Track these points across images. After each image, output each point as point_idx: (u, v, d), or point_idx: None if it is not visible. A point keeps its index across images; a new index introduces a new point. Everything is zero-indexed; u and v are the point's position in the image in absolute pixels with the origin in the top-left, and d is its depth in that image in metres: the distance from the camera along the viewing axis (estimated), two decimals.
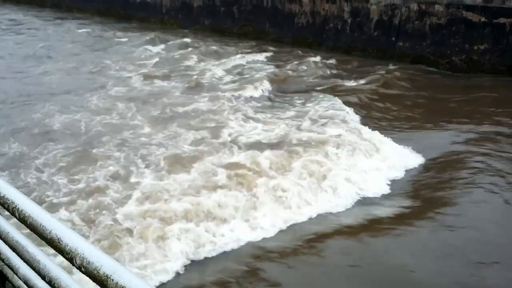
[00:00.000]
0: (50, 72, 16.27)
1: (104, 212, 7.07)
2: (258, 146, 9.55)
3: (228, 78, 15.41)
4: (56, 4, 35.04)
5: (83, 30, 25.37)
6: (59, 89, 14.12)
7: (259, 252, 6.49)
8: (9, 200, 0.96)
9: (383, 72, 15.47)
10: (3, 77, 15.73)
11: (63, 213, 6.83)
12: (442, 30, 16.35)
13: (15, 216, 0.94)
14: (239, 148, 9.55)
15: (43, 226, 0.80)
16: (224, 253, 6.50)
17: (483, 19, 15.43)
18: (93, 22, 28.16)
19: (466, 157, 9.15)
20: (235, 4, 22.91)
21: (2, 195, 0.99)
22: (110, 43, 21.55)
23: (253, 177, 8.14)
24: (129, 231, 6.55)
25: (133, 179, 8.19)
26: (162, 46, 20.41)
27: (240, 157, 8.99)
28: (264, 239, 6.83)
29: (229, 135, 10.27)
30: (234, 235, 6.85)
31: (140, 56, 18.75)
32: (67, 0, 34.20)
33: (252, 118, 11.38)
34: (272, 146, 9.53)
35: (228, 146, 9.63)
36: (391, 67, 16.16)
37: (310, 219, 7.39)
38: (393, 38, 17.60)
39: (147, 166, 8.72)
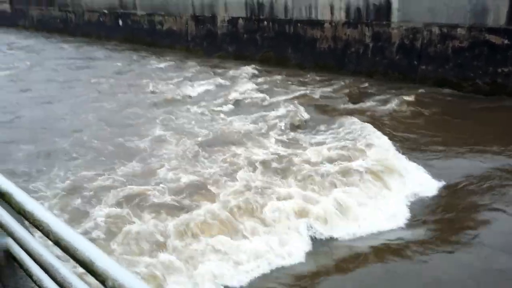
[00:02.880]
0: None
1: None
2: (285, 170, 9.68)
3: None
4: (86, 34, 36.42)
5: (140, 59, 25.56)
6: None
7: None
8: (43, 223, 1.11)
9: (405, 95, 15.46)
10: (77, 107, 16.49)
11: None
12: (465, 53, 16.29)
13: (49, 238, 1.08)
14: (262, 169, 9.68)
15: (75, 248, 0.93)
16: None
17: (506, 41, 15.32)
18: (125, 49, 29.10)
19: (489, 182, 9.02)
20: (258, 31, 23.40)
21: (36, 217, 1.13)
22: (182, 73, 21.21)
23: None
24: None
25: None
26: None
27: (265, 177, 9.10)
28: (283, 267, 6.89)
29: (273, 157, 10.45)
30: None
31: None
32: (96, 30, 35.54)
33: (281, 142, 11.58)
34: (297, 172, 9.62)
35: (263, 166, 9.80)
36: (413, 90, 16.14)
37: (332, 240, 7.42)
38: (415, 62, 17.61)
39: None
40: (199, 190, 8.92)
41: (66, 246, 1.01)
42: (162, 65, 23.25)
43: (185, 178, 9.42)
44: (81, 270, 1.57)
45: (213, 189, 8.97)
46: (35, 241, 1.41)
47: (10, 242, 1.77)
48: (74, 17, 38.75)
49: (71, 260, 1.73)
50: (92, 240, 7.08)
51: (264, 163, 10.12)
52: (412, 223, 7.94)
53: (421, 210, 8.38)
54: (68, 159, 11.00)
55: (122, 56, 26.91)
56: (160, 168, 10.10)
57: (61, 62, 26.16)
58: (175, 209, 8.20)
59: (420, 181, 9.39)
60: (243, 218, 7.79)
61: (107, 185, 9.29)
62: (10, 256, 1.75)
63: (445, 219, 7.90)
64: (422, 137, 12.00)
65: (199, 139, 11.99)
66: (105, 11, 34.59)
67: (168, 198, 8.62)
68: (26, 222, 1.47)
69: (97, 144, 11.87)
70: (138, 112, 14.80)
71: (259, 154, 10.66)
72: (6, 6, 49.81)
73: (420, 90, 16.07)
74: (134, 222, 7.67)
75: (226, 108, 15.12)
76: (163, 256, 6.79)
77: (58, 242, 1.04)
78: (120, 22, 33.18)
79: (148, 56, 26.21)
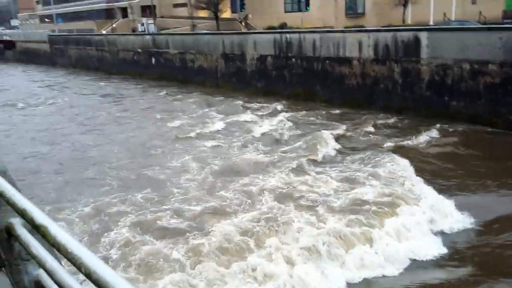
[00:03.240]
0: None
1: None
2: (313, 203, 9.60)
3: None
4: (121, 71, 37.76)
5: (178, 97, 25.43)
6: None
7: None
8: (76, 256, 1.13)
9: (437, 131, 15.22)
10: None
11: None
12: (496, 89, 16.01)
13: (81, 271, 1.11)
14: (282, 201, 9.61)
15: (106, 281, 0.95)
16: None
17: None
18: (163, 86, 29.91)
19: None
20: (286, 68, 23.75)
21: (69, 250, 1.16)
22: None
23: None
24: None
25: None
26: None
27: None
28: None
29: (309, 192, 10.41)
30: None
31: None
32: (130, 68, 36.82)
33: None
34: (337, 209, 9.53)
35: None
36: (445, 126, 15.86)
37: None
38: (446, 98, 17.41)
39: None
40: (216, 215, 9.02)
41: (97, 279, 1.03)
42: (191, 100, 23.72)
43: (210, 203, 9.54)
44: None
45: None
46: (66, 274, 1.43)
47: (41, 274, 1.80)
48: (110, 55, 40.37)
49: None
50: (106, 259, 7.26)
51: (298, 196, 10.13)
52: (444, 260, 7.67)
53: (453, 247, 8.09)
54: (93, 186, 11.38)
55: (152, 93, 27.70)
56: (177, 195, 10.35)
57: (94, 98, 27.15)
58: (191, 233, 8.27)
59: (452, 217, 9.12)
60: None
61: (127, 211, 9.56)
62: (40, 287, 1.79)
63: (476, 258, 7.60)
64: (454, 173, 11.70)
65: (218, 169, 12.18)
66: (139, 50, 35.93)
67: (184, 223, 8.77)
68: (58, 254, 1.51)
69: (120, 173, 12.34)
70: (160, 144, 15.23)
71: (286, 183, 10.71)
72: (45, 46, 52.37)
73: (452, 126, 15.79)
74: (149, 244, 7.75)
75: (252, 141, 15.23)
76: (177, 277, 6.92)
77: (89, 275, 1.06)
78: (153, 60, 34.35)
79: (178, 92, 26.84)
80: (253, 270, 7.14)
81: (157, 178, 11.83)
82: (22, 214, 1.45)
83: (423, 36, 17.94)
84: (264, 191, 10.44)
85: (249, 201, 9.95)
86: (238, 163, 12.85)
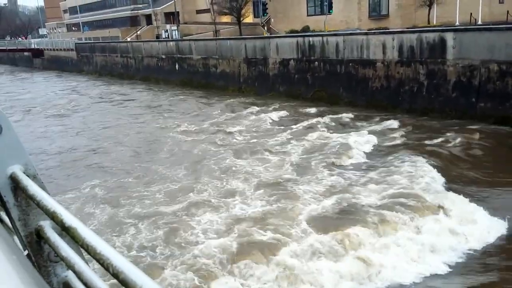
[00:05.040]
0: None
1: None
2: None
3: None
4: (145, 78, 38.37)
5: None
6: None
7: None
8: (104, 256, 1.15)
9: (465, 133, 14.85)
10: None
11: None
12: None
13: (109, 271, 1.12)
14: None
15: (133, 281, 0.96)
16: None
17: None
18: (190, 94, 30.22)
19: None
20: (308, 71, 23.68)
21: (98, 251, 1.19)
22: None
23: None
24: None
25: None
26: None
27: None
28: None
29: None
30: None
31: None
32: (154, 74, 37.38)
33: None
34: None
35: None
36: (473, 128, 15.49)
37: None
38: (473, 99, 17.04)
39: None
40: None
41: (124, 279, 1.04)
42: (218, 107, 23.76)
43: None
44: None
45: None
46: (94, 274, 1.46)
47: (70, 275, 1.83)
48: (134, 62, 41.07)
49: None
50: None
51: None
52: (470, 268, 7.49)
53: (483, 254, 7.89)
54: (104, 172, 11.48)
55: (177, 98, 27.99)
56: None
57: (118, 105, 27.64)
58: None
59: (479, 223, 8.90)
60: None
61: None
62: None
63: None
64: (483, 177, 11.41)
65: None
66: (163, 56, 36.43)
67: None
68: (85, 255, 1.54)
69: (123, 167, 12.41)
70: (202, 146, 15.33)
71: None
72: (72, 54, 53.67)
73: (480, 128, 15.41)
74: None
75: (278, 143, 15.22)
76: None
77: (117, 275, 1.07)
78: (177, 66, 34.79)
79: (206, 97, 27.07)
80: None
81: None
82: (52, 216, 1.48)
83: (449, 37, 17.62)
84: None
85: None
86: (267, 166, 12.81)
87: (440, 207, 9.37)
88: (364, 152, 13.92)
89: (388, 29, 28.33)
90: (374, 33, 21.70)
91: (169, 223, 9.44)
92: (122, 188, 12.07)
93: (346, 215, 9.23)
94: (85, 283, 1.50)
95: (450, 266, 7.63)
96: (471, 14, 33.02)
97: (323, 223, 8.94)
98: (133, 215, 10.03)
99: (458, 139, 14.25)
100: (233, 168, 12.99)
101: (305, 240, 8.24)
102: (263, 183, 11.64)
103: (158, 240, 8.75)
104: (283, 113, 20.52)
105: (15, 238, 1.92)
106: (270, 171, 12.65)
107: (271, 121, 19.29)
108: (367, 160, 13.33)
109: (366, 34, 21.83)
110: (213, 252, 7.94)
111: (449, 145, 13.96)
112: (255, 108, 21.87)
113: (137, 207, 10.50)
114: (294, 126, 17.88)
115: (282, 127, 17.95)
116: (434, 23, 34.86)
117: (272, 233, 8.56)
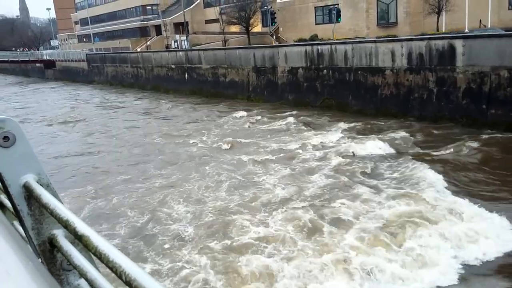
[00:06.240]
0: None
1: None
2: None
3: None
4: (155, 87, 38.66)
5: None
6: None
7: None
8: (117, 264, 1.17)
9: (476, 141, 14.71)
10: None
11: None
12: None
13: (121, 279, 1.14)
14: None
15: None
16: None
17: None
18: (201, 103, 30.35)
19: None
20: (317, 79, 23.70)
21: (110, 259, 1.20)
22: None
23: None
24: None
25: None
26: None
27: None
28: None
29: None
30: None
31: None
32: (164, 83, 37.65)
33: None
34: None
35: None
36: (484, 135, 15.35)
37: None
38: (484, 106, 16.91)
39: None
40: None
41: (137, 286, 1.05)
42: (226, 117, 23.90)
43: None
44: None
45: None
46: (106, 282, 1.47)
47: (83, 284, 1.85)
48: (144, 72, 41.41)
49: None
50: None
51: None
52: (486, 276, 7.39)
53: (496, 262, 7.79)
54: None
55: (183, 108, 28.11)
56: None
57: (127, 115, 27.85)
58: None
59: (492, 232, 8.80)
60: None
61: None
62: None
63: None
64: (495, 186, 11.28)
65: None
66: (173, 65, 36.70)
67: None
68: (97, 264, 1.55)
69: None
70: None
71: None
72: (84, 65, 54.25)
73: (491, 135, 15.27)
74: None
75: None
76: None
77: (129, 283, 1.09)
78: (187, 76, 35.01)
79: (215, 105, 27.20)
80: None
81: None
82: (65, 225, 1.50)
83: (458, 44, 17.55)
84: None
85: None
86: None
87: (446, 215, 9.31)
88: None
89: (397, 36, 28.27)
90: (382, 41, 21.68)
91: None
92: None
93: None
94: None
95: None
96: (480, 21, 32.85)
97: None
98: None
99: (469, 147, 14.12)
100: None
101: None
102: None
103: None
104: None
105: (29, 247, 1.95)
106: None
107: None
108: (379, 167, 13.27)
109: (374, 42, 21.82)
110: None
111: (460, 152, 13.84)
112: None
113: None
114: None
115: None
116: (443, 30, 34.72)
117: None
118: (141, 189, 12.70)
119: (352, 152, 14.65)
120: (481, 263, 7.90)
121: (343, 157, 14.23)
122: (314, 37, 42.01)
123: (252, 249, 8.45)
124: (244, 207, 10.71)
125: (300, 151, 15.43)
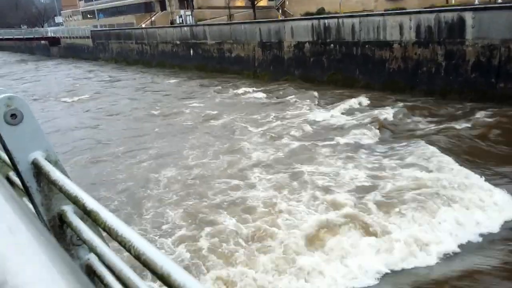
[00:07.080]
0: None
1: None
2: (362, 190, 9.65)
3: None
4: (161, 64, 38.48)
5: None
6: None
7: None
8: (126, 239, 1.18)
9: (485, 115, 14.56)
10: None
11: None
12: None
13: (130, 253, 1.16)
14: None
15: (154, 262, 0.98)
16: None
17: None
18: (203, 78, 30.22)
19: None
20: (324, 54, 23.44)
21: (119, 233, 1.22)
22: None
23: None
24: None
25: None
26: None
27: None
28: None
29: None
30: None
31: None
32: (169, 60, 37.46)
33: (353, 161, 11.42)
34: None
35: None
36: (493, 109, 15.17)
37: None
38: (493, 80, 16.69)
39: None
40: None
41: (146, 260, 1.07)
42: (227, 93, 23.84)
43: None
44: (159, 283, 1.65)
45: None
46: (115, 256, 1.50)
47: (92, 258, 1.89)
48: (149, 48, 41.15)
49: (149, 275, 1.80)
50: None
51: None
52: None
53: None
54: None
55: (187, 85, 28.04)
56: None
57: (131, 92, 27.86)
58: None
59: (502, 205, 8.83)
60: None
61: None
62: (91, 271, 1.88)
63: None
64: (504, 160, 11.22)
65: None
66: (178, 41, 36.42)
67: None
68: (107, 238, 1.58)
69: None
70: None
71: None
72: (88, 41, 54.02)
73: (500, 109, 15.08)
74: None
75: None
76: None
77: (138, 257, 1.11)
78: (192, 52, 34.76)
79: (225, 83, 27.11)
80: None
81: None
82: (74, 201, 1.52)
83: (468, 16, 17.21)
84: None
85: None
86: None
87: (455, 190, 9.33)
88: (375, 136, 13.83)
89: (405, 9, 27.73)
90: (390, 14, 21.29)
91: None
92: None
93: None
94: (107, 265, 1.54)
95: None
96: None
97: None
98: None
99: (480, 120, 13.98)
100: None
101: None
102: None
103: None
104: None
105: (39, 222, 1.97)
106: None
107: None
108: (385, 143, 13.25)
109: (382, 15, 21.44)
110: None
111: (469, 126, 13.72)
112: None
113: None
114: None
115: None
116: (453, 2, 34.01)
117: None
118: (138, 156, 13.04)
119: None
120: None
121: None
122: (321, 11, 41.39)
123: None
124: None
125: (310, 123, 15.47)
